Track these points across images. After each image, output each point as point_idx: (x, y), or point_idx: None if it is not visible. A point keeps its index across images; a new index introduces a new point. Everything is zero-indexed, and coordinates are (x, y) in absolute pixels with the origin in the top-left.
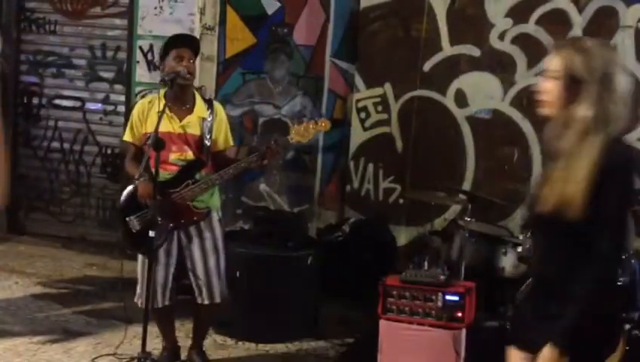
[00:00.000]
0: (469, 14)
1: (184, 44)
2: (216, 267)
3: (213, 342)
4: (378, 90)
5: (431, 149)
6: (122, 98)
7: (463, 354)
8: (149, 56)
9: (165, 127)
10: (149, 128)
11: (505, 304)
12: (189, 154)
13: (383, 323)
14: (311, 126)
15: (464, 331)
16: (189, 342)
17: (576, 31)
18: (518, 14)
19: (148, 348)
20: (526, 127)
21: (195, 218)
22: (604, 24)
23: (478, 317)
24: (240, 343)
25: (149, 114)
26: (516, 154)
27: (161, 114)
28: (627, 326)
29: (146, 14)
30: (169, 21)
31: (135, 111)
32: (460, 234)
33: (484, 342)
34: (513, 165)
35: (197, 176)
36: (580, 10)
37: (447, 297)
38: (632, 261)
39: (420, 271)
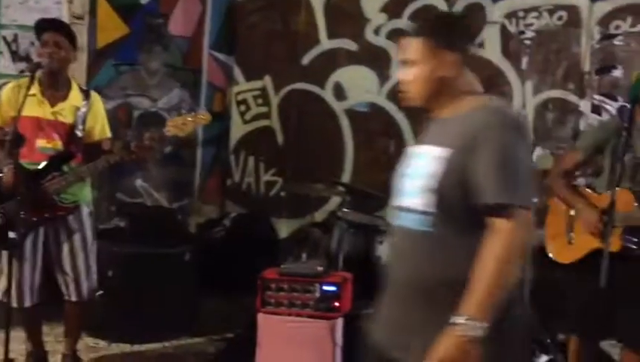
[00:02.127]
0: (345, 9)
1: (49, 28)
2: (84, 263)
3: (85, 345)
4: (258, 83)
5: (311, 142)
6: None
7: (340, 342)
8: (14, 47)
9: (35, 111)
10: (17, 111)
11: (382, 291)
12: (58, 143)
13: (261, 316)
14: (189, 119)
15: (341, 320)
16: (59, 347)
17: None
18: (392, 9)
19: (12, 355)
20: (401, 119)
21: (60, 212)
22: (473, 20)
23: (356, 306)
24: (114, 345)
25: (19, 96)
26: (392, 146)
27: (23, 101)
28: None
29: (9, 3)
30: (35, 10)
31: (4, 93)
32: (339, 226)
33: (361, 329)
34: (390, 157)
35: (65, 168)
36: (450, 6)
37: (324, 288)
38: None
39: (298, 264)
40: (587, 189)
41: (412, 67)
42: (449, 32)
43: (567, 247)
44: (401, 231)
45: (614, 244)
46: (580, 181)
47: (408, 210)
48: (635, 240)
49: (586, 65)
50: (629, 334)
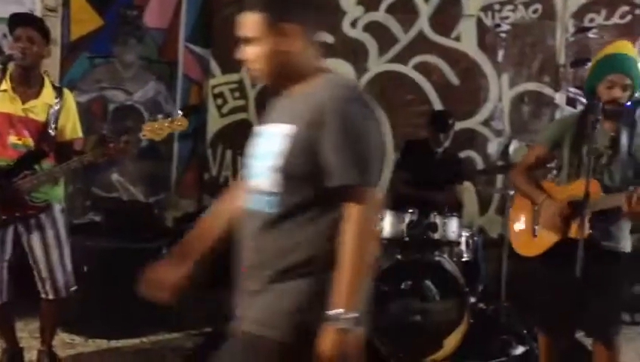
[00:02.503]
0: (322, 1)
1: (22, 23)
2: (59, 260)
3: (61, 341)
4: (234, 76)
5: None
6: None
7: None
8: None
9: (6, 107)
10: None
11: None
12: (28, 140)
13: None
14: (166, 124)
15: None
16: (34, 343)
17: (423, 19)
18: (368, 2)
19: None
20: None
21: (30, 211)
22: (448, 13)
23: None
24: (90, 341)
25: None
26: None
27: None
28: (472, 300)
29: None
30: (8, 2)
31: None
32: None
33: None
34: None
35: (36, 167)
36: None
37: None
38: (475, 238)
39: None
40: (550, 183)
41: (253, 45)
42: (283, 3)
43: (531, 241)
44: (250, 213)
45: (582, 233)
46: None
47: (257, 191)
48: (603, 224)
49: (561, 58)
50: (596, 327)
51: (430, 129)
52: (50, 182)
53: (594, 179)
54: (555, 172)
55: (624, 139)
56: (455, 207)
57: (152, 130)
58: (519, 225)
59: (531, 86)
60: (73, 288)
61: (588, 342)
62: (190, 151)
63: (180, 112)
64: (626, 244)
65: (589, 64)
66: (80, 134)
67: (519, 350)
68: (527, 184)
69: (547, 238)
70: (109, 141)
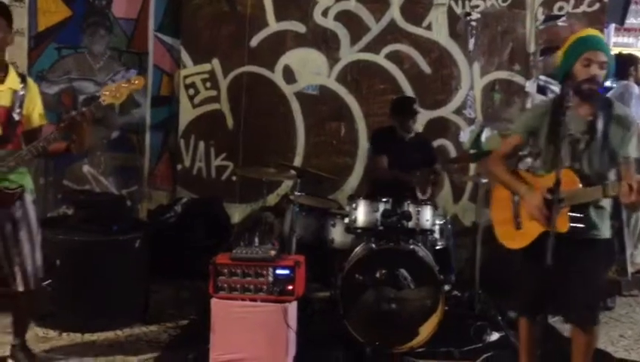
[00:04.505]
0: None
1: None
2: (30, 252)
3: (34, 335)
4: (206, 66)
5: (262, 126)
6: None
7: (294, 326)
8: None
9: None
10: None
11: (335, 274)
12: None
13: (214, 301)
14: (123, 85)
15: (294, 303)
16: (7, 339)
17: (394, 8)
18: None
19: None
20: (351, 102)
21: (6, 201)
22: (419, 2)
23: (310, 288)
24: (64, 334)
25: None
26: (343, 129)
27: None
28: (446, 287)
29: None
30: None
31: None
32: (291, 209)
33: (315, 312)
34: (340, 139)
35: (3, 154)
36: None
37: (278, 272)
38: (449, 226)
39: (250, 248)
40: (527, 172)
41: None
42: None
43: (516, 233)
44: None
45: (562, 225)
46: (522, 164)
47: None
48: (582, 216)
49: (531, 47)
50: (575, 313)
51: (395, 116)
52: (19, 167)
53: (572, 166)
54: (529, 160)
55: (600, 124)
56: (431, 189)
57: (111, 94)
58: (501, 215)
59: (502, 74)
60: (46, 282)
61: (564, 327)
62: (162, 143)
63: (134, 71)
64: (606, 231)
65: (559, 52)
66: (47, 121)
67: (494, 336)
68: (506, 174)
69: (533, 230)
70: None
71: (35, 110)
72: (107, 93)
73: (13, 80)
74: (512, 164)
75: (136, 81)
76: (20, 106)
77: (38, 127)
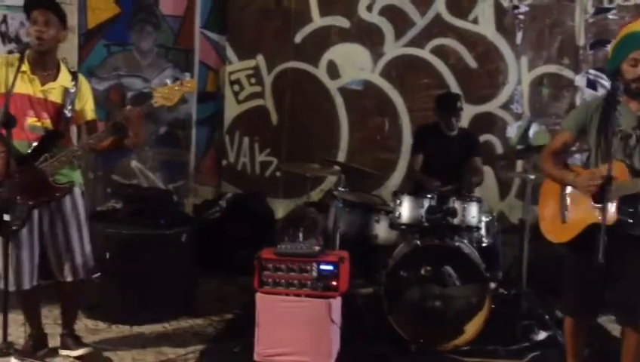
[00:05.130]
0: None
1: (38, 5)
2: (79, 243)
3: (84, 326)
4: (251, 62)
5: (305, 121)
6: None
7: (339, 321)
8: (2, 28)
9: (25, 88)
10: (5, 87)
11: (379, 270)
12: (47, 122)
13: (259, 296)
14: (176, 88)
15: (339, 299)
16: (58, 329)
17: (439, 2)
18: None
19: (11, 338)
20: (395, 97)
21: (57, 193)
22: None
23: (354, 284)
24: (113, 326)
25: (7, 72)
26: (387, 125)
27: (14, 79)
28: (493, 285)
29: None
30: None
31: None
32: (335, 205)
33: (359, 307)
34: (384, 135)
35: (55, 149)
36: None
37: (322, 267)
38: (495, 223)
39: (295, 243)
40: (578, 167)
41: None
42: None
43: (561, 227)
44: None
45: (609, 218)
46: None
47: None
48: (631, 210)
49: (581, 40)
50: (625, 311)
51: (439, 113)
52: (70, 162)
53: (622, 161)
54: (577, 156)
55: None
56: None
57: (163, 96)
58: (548, 210)
59: (551, 68)
60: (96, 274)
61: (613, 326)
62: (208, 138)
63: (187, 74)
64: None
65: (609, 45)
66: (97, 117)
67: (542, 335)
68: (557, 168)
69: (579, 222)
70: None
71: (87, 106)
72: (159, 95)
73: (64, 77)
74: (562, 160)
75: (189, 84)
76: (72, 103)
77: (92, 120)
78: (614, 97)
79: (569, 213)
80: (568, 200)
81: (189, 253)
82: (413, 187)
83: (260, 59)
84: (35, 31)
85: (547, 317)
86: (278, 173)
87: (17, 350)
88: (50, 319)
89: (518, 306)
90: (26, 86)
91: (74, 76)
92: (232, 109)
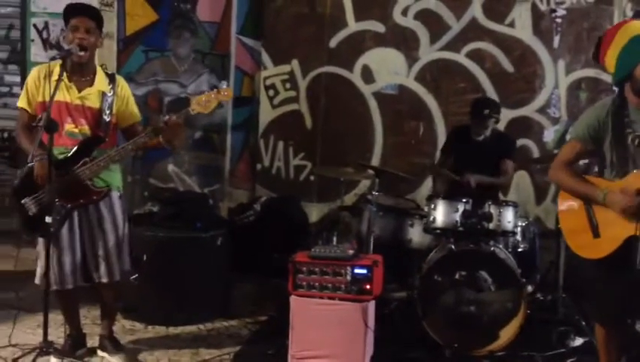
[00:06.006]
0: None
1: (79, 13)
2: (115, 245)
3: (121, 327)
4: (285, 67)
5: (340, 126)
6: (17, 79)
7: (372, 325)
8: (44, 35)
9: (62, 96)
10: (45, 96)
11: (413, 274)
12: (85, 128)
13: (293, 299)
14: (212, 95)
15: (373, 303)
16: (96, 330)
17: (476, 6)
18: None
19: (51, 337)
20: (430, 101)
21: (94, 197)
22: None
23: (387, 288)
24: (150, 327)
25: (45, 81)
26: (422, 129)
27: (56, 86)
28: (529, 291)
29: None
30: None
31: (30, 77)
32: (369, 209)
33: (393, 312)
34: (419, 139)
35: (94, 154)
36: None
37: (356, 271)
38: (532, 228)
39: (328, 247)
40: (597, 178)
41: None
42: None
43: (595, 242)
44: None
45: None
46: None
47: None
48: None
49: None
50: None
51: (470, 117)
52: (109, 166)
53: None
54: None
55: None
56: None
57: (200, 104)
58: (572, 224)
59: (588, 72)
60: (133, 276)
61: None
62: (243, 143)
63: (224, 82)
64: None
65: (608, 52)
66: (139, 117)
67: (578, 342)
68: (577, 181)
69: (615, 236)
70: (160, 121)
71: (127, 109)
72: (196, 103)
73: (101, 82)
74: (579, 170)
75: (226, 93)
76: (110, 107)
77: (133, 123)
78: (623, 102)
79: (601, 226)
80: (596, 213)
81: (224, 255)
82: (448, 191)
83: (295, 64)
84: (77, 38)
85: (583, 323)
86: (312, 177)
87: (57, 349)
88: (89, 319)
89: (554, 312)
90: (63, 93)
91: (111, 79)
92: (266, 114)
